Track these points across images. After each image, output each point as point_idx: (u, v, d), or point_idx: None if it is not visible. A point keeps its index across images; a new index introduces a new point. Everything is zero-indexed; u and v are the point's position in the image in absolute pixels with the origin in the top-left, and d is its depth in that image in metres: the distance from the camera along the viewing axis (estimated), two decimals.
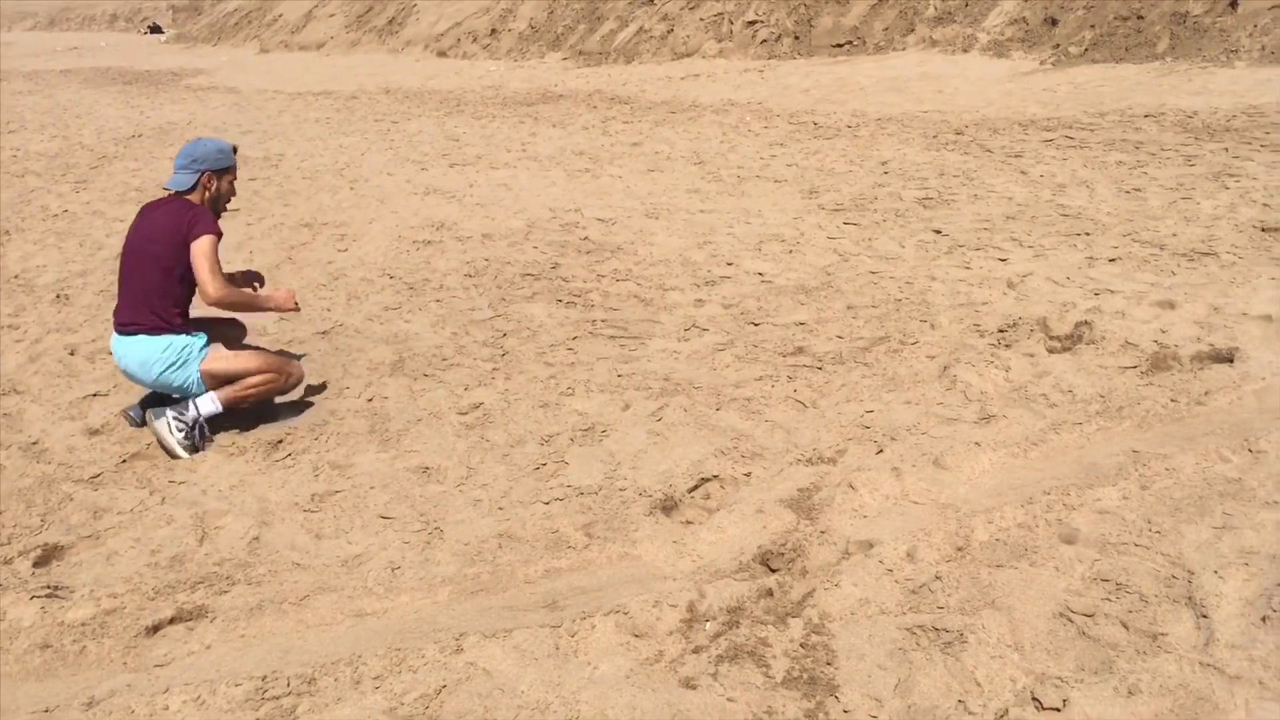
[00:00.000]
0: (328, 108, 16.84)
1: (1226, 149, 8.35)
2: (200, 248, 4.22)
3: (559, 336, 5.29)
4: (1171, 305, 4.99)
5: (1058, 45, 14.80)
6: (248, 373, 4.41)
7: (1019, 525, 3.19)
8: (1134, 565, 2.91)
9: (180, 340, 4.34)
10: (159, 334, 4.31)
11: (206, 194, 4.44)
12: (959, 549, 3.10)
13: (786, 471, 3.70)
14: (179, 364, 4.33)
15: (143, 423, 4.53)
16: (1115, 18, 14.42)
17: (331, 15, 31.78)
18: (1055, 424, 3.86)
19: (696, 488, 3.65)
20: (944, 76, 14.40)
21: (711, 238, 7.06)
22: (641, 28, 21.56)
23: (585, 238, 7.28)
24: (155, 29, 47.27)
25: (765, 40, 19.17)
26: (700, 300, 5.71)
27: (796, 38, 18.73)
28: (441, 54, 26.17)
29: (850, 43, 17.99)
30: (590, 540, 3.33)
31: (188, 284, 4.36)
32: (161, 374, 4.32)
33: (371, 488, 3.79)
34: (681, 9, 21.27)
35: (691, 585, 2.99)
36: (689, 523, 3.44)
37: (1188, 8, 13.58)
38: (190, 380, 4.36)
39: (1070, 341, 4.72)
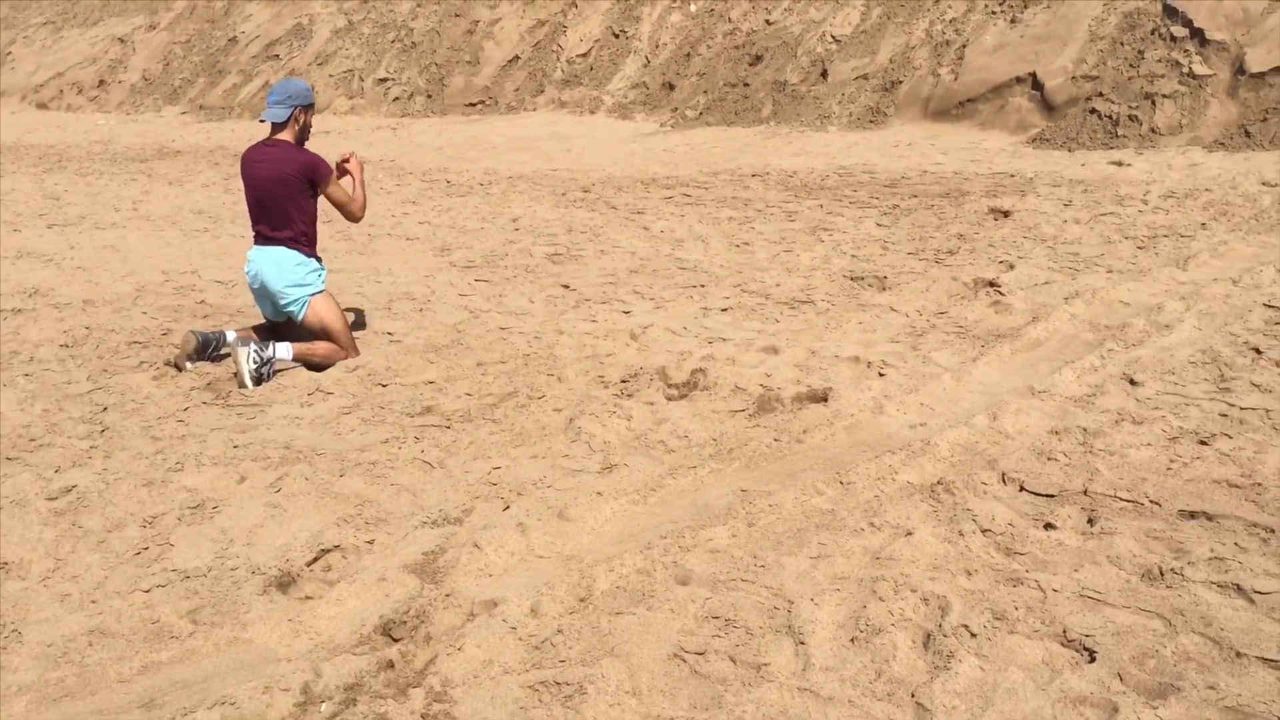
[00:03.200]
0: None
1: (822, 205, 9.15)
2: (334, 191, 5.44)
3: (168, 408, 4.92)
4: (775, 351, 5.35)
5: (676, 109, 15.74)
6: (330, 333, 5.44)
7: (638, 571, 3.28)
8: (741, 600, 3.06)
9: (313, 264, 5.45)
10: (299, 249, 5.39)
11: (298, 125, 5.42)
12: (581, 600, 3.14)
13: (412, 535, 3.61)
14: (303, 283, 5.38)
15: (202, 348, 5.38)
16: (725, 84, 15.54)
17: None
18: (672, 469, 4.02)
19: (316, 560, 3.48)
20: (572, 136, 14.91)
21: (339, 298, 6.85)
22: (267, 82, 20.83)
23: (202, 301, 6.86)
24: None
25: (398, 98, 19.09)
26: None
27: (429, 96, 18.78)
28: (42, 105, 24.13)
29: (483, 102, 18.27)
30: (196, 627, 3.08)
31: (313, 210, 5.45)
32: (289, 284, 5.36)
33: None
34: (310, 64, 20.78)
35: (307, 665, 2.83)
36: (307, 598, 3.26)
37: (786, 77, 14.85)
38: (301, 302, 5.40)
39: (687, 388, 4.94)
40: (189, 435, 4.58)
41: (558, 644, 2.90)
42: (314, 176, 5.36)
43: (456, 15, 19.84)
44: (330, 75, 20.26)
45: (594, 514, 3.69)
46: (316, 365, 5.41)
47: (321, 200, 5.55)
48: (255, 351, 5.13)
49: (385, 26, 20.72)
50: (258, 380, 5.12)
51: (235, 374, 5.13)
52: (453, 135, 15.91)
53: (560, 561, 3.39)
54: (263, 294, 5.51)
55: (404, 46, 19.97)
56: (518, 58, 18.59)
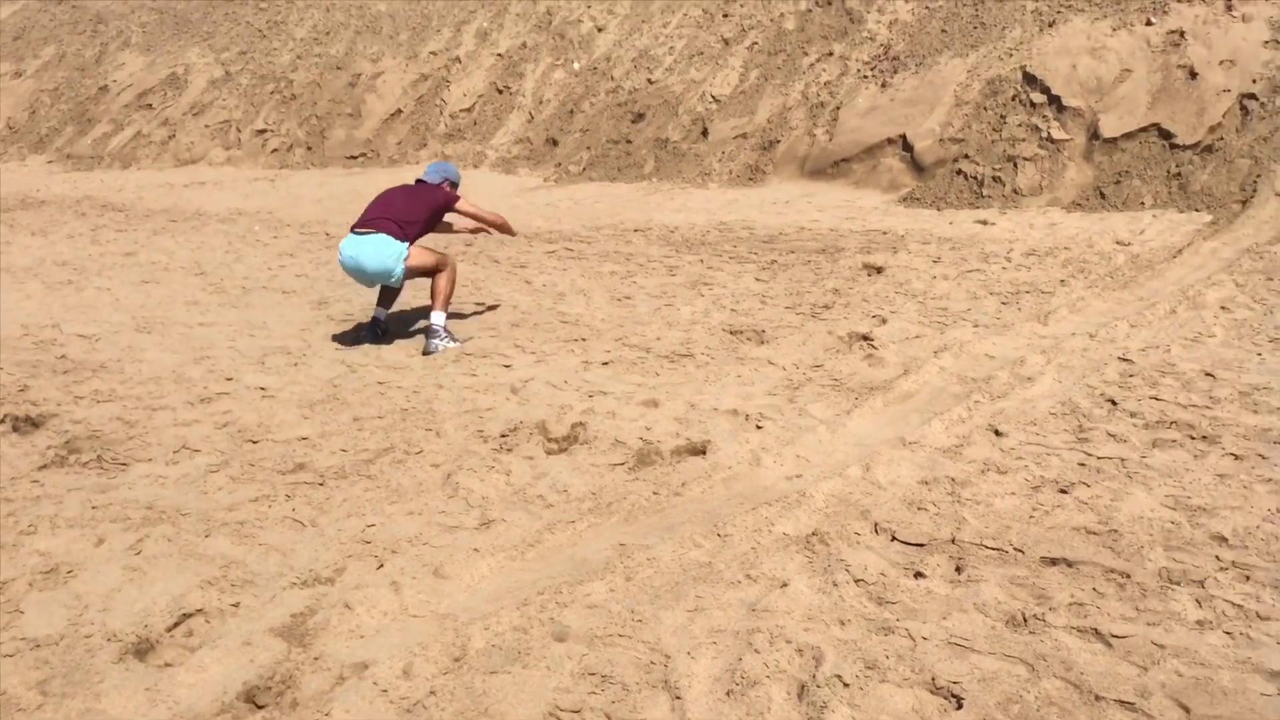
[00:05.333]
0: None
1: (702, 260, 9.28)
2: (464, 205, 7.02)
3: (22, 468, 4.70)
4: (655, 404, 5.38)
5: (559, 164, 15.85)
6: (426, 267, 6.78)
7: (514, 628, 3.23)
8: (618, 655, 3.04)
9: (403, 247, 6.68)
10: (395, 239, 6.65)
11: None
12: (456, 659, 3.08)
13: (280, 597, 3.50)
14: (399, 258, 6.65)
15: (378, 337, 7.01)
16: (608, 141, 15.72)
17: None
18: (551, 524, 3.99)
19: (177, 625, 3.34)
20: None
21: (210, 352, 6.67)
22: (140, 132, 20.34)
23: (63, 355, 6.60)
24: None
25: (276, 149, 18.81)
26: (194, 420, 5.34)
27: (309, 148, 18.55)
28: None
29: (364, 155, 18.12)
30: (45, 699, 2.93)
31: (420, 228, 6.85)
32: (386, 264, 6.64)
33: None
34: (184, 114, 20.36)
35: None
36: (167, 665, 3.13)
37: (668, 135, 15.10)
38: (400, 271, 6.72)
39: (567, 442, 4.93)
40: (44, 496, 4.38)
41: (430, 706, 2.83)
42: (449, 204, 6.91)
43: (338, 68, 19.70)
44: (206, 126, 19.87)
45: (470, 571, 3.63)
46: (453, 291, 6.94)
47: None
48: (433, 342, 6.59)
49: (264, 78, 20.46)
50: (453, 340, 6.67)
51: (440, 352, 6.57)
52: (333, 188, 15.73)
53: (435, 620, 3.32)
54: (359, 275, 6.73)
55: (283, 98, 19.73)
56: (400, 111, 18.52)
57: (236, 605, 3.44)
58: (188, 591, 3.52)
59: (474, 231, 7.45)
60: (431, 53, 19.13)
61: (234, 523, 4.09)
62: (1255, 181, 9.98)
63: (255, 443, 5.01)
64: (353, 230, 6.73)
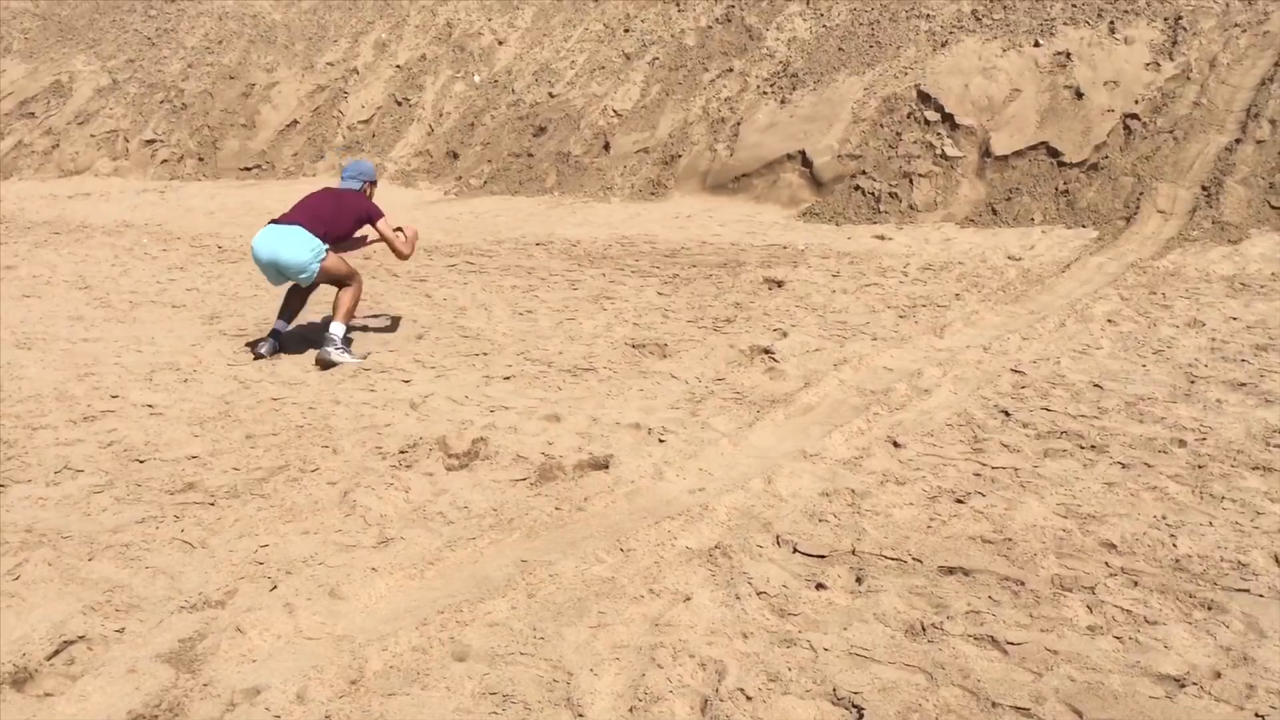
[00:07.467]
0: None
1: (604, 274, 9.27)
2: (384, 226, 6.95)
3: None
4: (558, 418, 5.34)
5: (460, 177, 15.71)
6: (339, 275, 6.77)
7: (413, 649, 3.16)
8: (520, 674, 3.00)
9: (321, 245, 6.64)
10: (314, 235, 6.61)
11: (365, 195, 7.05)
12: (352, 682, 3.00)
13: (167, 622, 3.37)
14: (316, 257, 6.62)
15: (270, 353, 6.75)
16: (509, 154, 15.64)
17: None
18: (451, 541, 3.92)
19: (58, 652, 3.20)
20: None
21: (95, 369, 6.43)
22: (21, 141, 19.61)
23: None
24: None
25: (167, 160, 18.30)
26: (77, 439, 5.13)
27: (201, 159, 18.10)
28: None
29: (259, 166, 17.74)
30: None
31: (342, 234, 6.83)
32: (303, 257, 6.55)
33: None
34: (68, 124, 19.69)
35: None
36: (46, 695, 2.99)
37: (570, 149, 15.08)
38: (313, 269, 6.65)
39: (467, 458, 4.86)
40: None
41: None
42: (372, 215, 6.89)
43: (231, 77, 19.27)
44: (92, 135, 19.25)
45: (367, 591, 3.55)
46: (356, 306, 6.92)
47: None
48: (332, 350, 6.48)
49: (153, 87, 19.90)
50: (348, 354, 6.55)
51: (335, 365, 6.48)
52: (225, 199, 15.35)
53: (330, 642, 3.23)
54: (274, 266, 6.63)
55: (174, 108, 19.21)
56: (296, 122, 18.18)
57: (121, 631, 3.30)
58: (69, 617, 3.37)
59: (371, 241, 7.34)
60: (328, 63, 18.84)
61: (119, 545, 3.94)
62: (1138, 199, 10.35)
63: (142, 462, 4.84)
64: (271, 221, 6.70)
